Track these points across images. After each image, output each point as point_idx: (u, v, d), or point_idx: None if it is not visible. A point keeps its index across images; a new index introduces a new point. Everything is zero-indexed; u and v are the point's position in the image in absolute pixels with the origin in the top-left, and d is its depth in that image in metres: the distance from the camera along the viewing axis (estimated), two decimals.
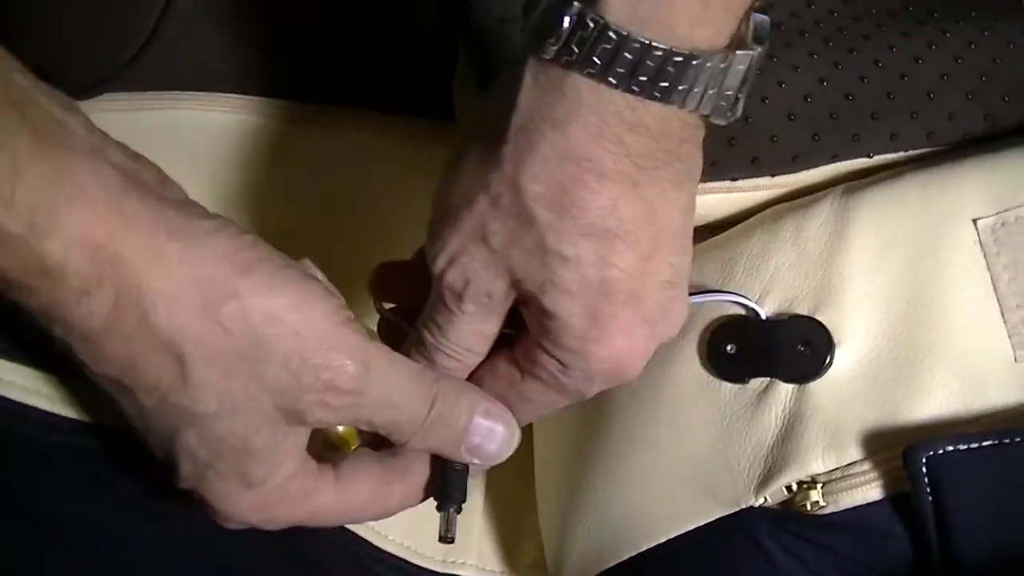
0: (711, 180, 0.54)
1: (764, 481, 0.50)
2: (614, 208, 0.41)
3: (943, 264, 0.50)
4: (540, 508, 0.59)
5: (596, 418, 0.55)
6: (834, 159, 0.54)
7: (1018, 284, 0.49)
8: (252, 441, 0.42)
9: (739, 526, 0.51)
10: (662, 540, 0.53)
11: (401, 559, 0.58)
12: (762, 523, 0.50)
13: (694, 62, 0.39)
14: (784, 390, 0.50)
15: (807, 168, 0.54)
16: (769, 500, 0.50)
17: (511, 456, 0.54)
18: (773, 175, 0.54)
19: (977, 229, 0.50)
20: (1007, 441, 0.47)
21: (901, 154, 0.55)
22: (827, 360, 0.49)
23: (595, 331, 0.43)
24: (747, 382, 0.51)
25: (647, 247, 0.42)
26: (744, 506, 0.51)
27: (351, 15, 0.60)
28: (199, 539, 0.48)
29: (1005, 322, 0.49)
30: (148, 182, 0.41)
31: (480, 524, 0.61)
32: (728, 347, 0.51)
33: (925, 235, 0.50)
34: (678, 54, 0.39)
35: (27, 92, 0.39)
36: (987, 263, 0.49)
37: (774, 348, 0.50)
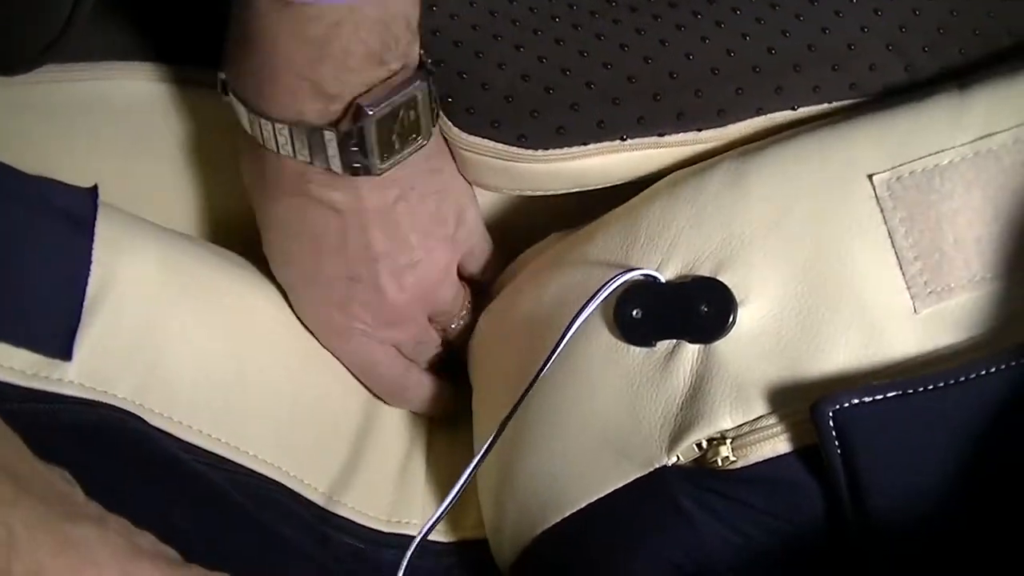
0: (639, 136, 0.55)
1: (674, 439, 0.50)
2: None
3: (841, 220, 0.50)
4: (478, 479, 0.59)
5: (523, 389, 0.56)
6: (759, 112, 0.56)
7: (914, 237, 0.49)
8: None
9: (656, 486, 0.51)
10: (583, 505, 0.53)
11: (348, 520, 0.58)
12: (677, 482, 0.51)
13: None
14: (690, 351, 0.51)
15: (733, 122, 0.57)
16: (681, 458, 0.51)
17: (451, 421, 0.63)
18: (700, 130, 0.57)
19: (873, 184, 0.50)
20: (910, 391, 0.47)
21: (825, 106, 0.57)
22: (730, 319, 0.50)
23: None
24: (654, 345, 0.52)
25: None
26: (657, 466, 0.51)
27: None
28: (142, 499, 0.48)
29: (904, 275, 0.49)
30: (147, 548, 0.42)
31: (423, 486, 0.62)
32: (634, 311, 0.52)
33: (823, 192, 0.51)
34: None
35: (30, 463, 0.40)
36: (884, 217, 0.50)
37: (678, 310, 0.51)
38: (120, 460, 0.49)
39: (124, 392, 0.51)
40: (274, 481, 0.55)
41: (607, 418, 0.52)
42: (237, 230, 0.61)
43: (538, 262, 0.59)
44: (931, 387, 0.47)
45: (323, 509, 0.57)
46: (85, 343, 0.50)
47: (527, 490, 0.55)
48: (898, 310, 0.49)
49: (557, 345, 0.52)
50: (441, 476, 0.62)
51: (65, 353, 0.49)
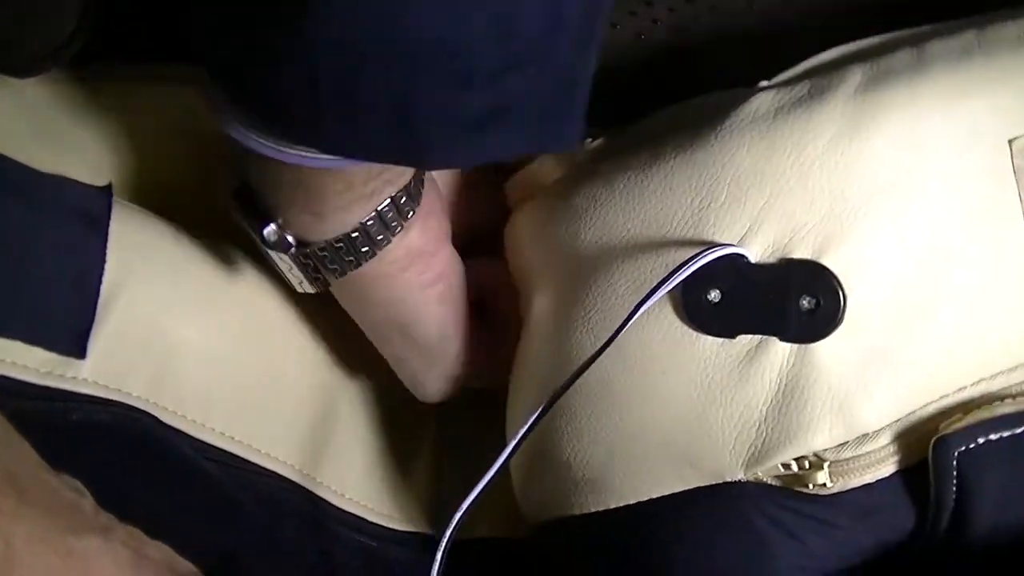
0: None
1: (757, 457, 0.42)
2: None
3: (971, 192, 0.41)
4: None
5: (557, 363, 0.46)
6: None
7: None
8: None
9: (723, 499, 0.44)
10: (632, 502, 0.45)
11: (358, 517, 0.56)
12: (751, 498, 0.43)
13: None
14: (781, 350, 0.41)
15: None
16: (761, 475, 0.43)
17: (461, 419, 0.59)
18: None
19: (1011, 151, 0.41)
20: None
21: None
22: (838, 316, 0.41)
23: None
24: (734, 338, 0.42)
25: None
26: (729, 480, 0.43)
27: None
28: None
29: None
30: (157, 559, 0.42)
31: (433, 484, 0.59)
32: (711, 294, 0.42)
33: (950, 154, 0.41)
34: None
35: (35, 472, 0.40)
36: (1020, 194, 0.41)
37: (769, 299, 0.41)
38: (131, 459, 0.49)
39: (137, 390, 0.49)
40: (286, 479, 0.54)
41: (668, 418, 0.43)
42: None
43: (567, 179, 0.48)
44: None
45: (333, 506, 0.55)
46: (99, 341, 0.48)
47: (567, 471, 0.47)
48: (1020, 305, 0.41)
49: (613, 337, 0.42)
50: (450, 473, 0.59)
51: (79, 351, 0.48)
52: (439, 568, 0.45)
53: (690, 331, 0.42)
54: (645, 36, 0.50)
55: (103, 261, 0.49)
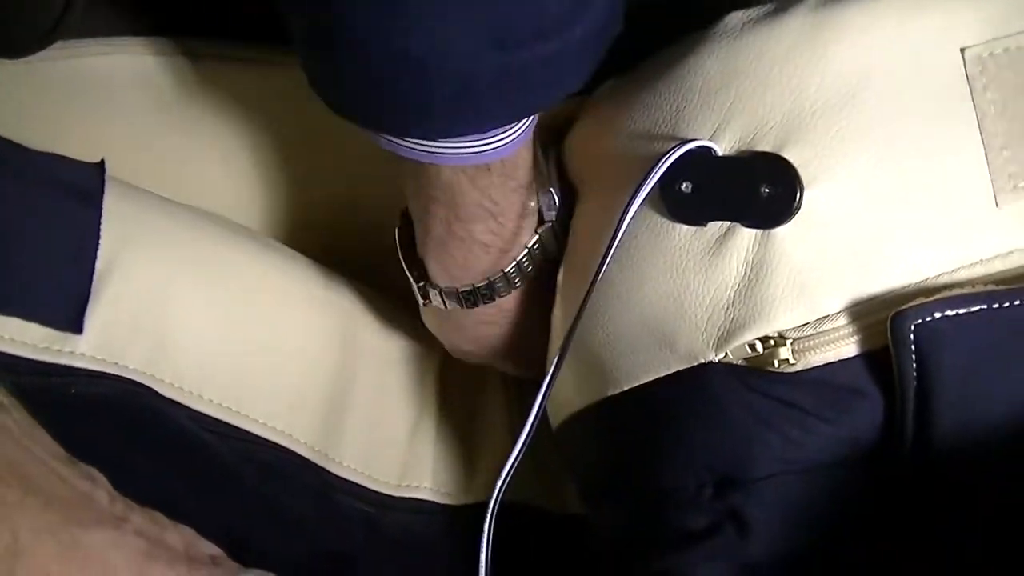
0: None
1: (726, 336, 0.46)
2: None
3: (924, 97, 0.44)
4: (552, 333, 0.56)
5: (575, 268, 0.52)
6: None
7: (1004, 124, 0.44)
8: None
9: (697, 381, 0.47)
10: (625, 389, 0.49)
11: (357, 484, 0.58)
12: (722, 379, 0.46)
13: None
14: (746, 235, 0.45)
15: None
16: (731, 356, 0.46)
17: (461, 389, 0.63)
18: None
19: (964, 59, 0.44)
20: (996, 306, 0.43)
21: None
22: (795, 203, 0.44)
23: None
24: (704, 225, 0.46)
25: None
26: (702, 361, 0.47)
27: None
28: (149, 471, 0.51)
29: (988, 164, 0.44)
30: (175, 546, 0.43)
31: (433, 450, 0.61)
32: (683, 185, 0.46)
33: (907, 61, 0.45)
34: None
35: (46, 465, 0.41)
36: (973, 99, 0.44)
37: (735, 188, 0.45)
38: (131, 432, 0.50)
39: (135, 363, 0.51)
40: (283, 448, 0.55)
41: (651, 303, 0.47)
42: (246, 203, 0.62)
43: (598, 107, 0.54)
44: (1019, 302, 0.42)
45: (333, 475, 0.57)
46: (96, 316, 0.50)
47: (577, 364, 0.51)
48: (978, 203, 0.44)
49: (613, 237, 0.47)
50: (451, 440, 0.62)
51: (76, 326, 0.49)
52: (488, 535, 0.49)
53: (667, 221, 0.47)
54: None
55: (98, 237, 0.51)
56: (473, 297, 0.54)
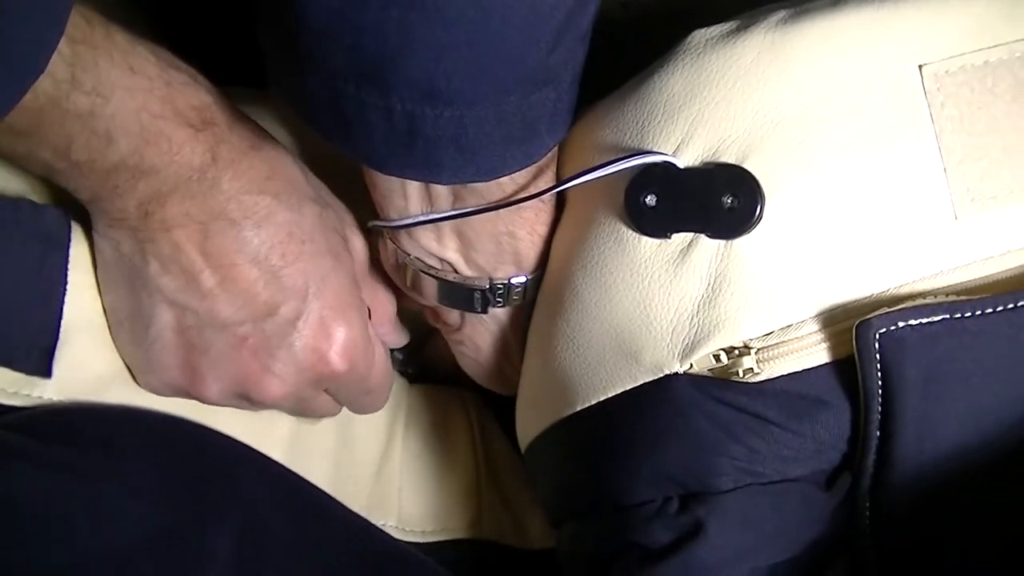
0: None
1: (690, 347, 0.46)
2: None
3: (884, 111, 0.45)
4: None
5: (548, 284, 0.53)
6: None
7: (962, 138, 0.45)
8: None
9: (664, 393, 0.47)
10: (593, 403, 0.49)
11: None
12: (687, 391, 0.47)
13: None
14: (709, 246, 0.46)
15: None
16: (696, 367, 0.47)
17: (427, 424, 0.64)
18: None
19: (922, 76, 0.45)
20: (958, 316, 0.44)
21: None
22: (756, 213, 0.45)
23: None
24: (668, 237, 0.47)
25: None
26: (667, 372, 0.47)
27: None
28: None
29: (947, 178, 0.45)
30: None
31: (398, 487, 0.61)
32: (647, 198, 0.47)
33: (866, 77, 0.45)
34: None
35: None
36: (931, 113, 0.45)
37: (698, 200, 0.46)
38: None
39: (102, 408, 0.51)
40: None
41: (617, 315, 0.48)
42: None
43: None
44: (980, 312, 0.43)
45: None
46: (63, 360, 0.50)
47: (546, 380, 0.52)
48: (938, 215, 0.45)
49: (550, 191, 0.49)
50: (417, 477, 0.62)
51: (44, 371, 0.50)
52: None
53: (632, 233, 0.47)
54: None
55: (65, 282, 0.51)
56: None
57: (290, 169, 0.52)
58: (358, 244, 0.56)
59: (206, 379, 0.52)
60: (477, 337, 0.58)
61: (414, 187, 0.51)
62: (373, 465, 0.61)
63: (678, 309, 0.46)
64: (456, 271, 0.54)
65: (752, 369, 0.45)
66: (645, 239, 0.47)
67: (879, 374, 0.44)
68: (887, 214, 0.45)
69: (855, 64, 0.46)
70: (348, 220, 0.56)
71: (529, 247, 0.53)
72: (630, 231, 0.48)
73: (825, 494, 0.47)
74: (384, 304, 0.59)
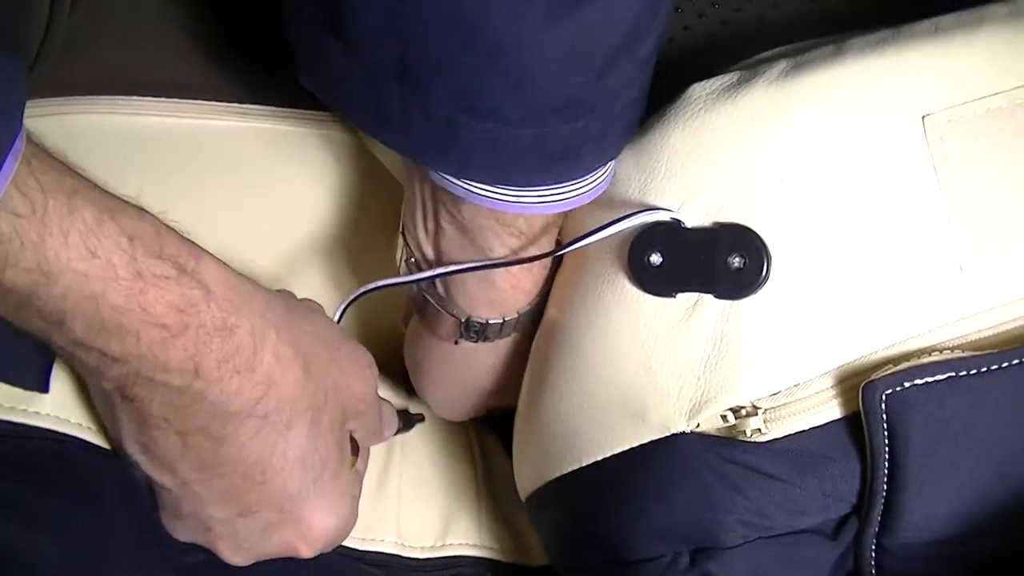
0: None
1: (697, 407, 0.46)
2: None
3: (887, 163, 0.45)
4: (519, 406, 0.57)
5: (548, 335, 0.52)
6: None
7: (965, 187, 0.45)
8: None
9: (672, 451, 0.47)
10: (598, 459, 0.49)
11: None
12: (696, 450, 0.47)
13: None
14: (715, 307, 0.46)
15: None
16: (703, 426, 0.46)
17: (433, 444, 0.64)
18: None
19: (924, 126, 0.45)
20: (962, 374, 0.44)
21: None
22: (762, 274, 0.45)
23: None
24: (674, 296, 0.46)
25: None
26: (675, 431, 0.47)
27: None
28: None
29: (951, 228, 0.45)
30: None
31: (396, 504, 0.61)
32: (651, 257, 0.46)
33: (868, 129, 0.45)
34: None
35: None
36: (933, 164, 0.45)
37: (703, 260, 0.46)
38: (94, 487, 0.49)
39: (99, 423, 0.50)
40: None
41: (621, 374, 0.48)
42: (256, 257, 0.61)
43: None
44: (985, 369, 0.43)
45: None
46: (61, 376, 0.50)
47: (547, 434, 0.51)
48: (943, 266, 0.45)
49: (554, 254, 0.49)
50: (416, 493, 0.62)
51: (41, 386, 0.49)
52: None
53: (638, 292, 0.47)
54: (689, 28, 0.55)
55: None
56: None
57: (288, 379, 0.47)
58: (369, 415, 0.54)
59: (174, 529, 0.50)
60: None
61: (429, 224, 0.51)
62: (373, 481, 0.61)
63: (684, 369, 0.46)
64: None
65: (759, 430, 0.45)
66: (651, 298, 0.47)
67: (885, 434, 0.44)
68: (892, 267, 0.45)
69: (857, 116, 0.45)
70: (352, 408, 0.52)
71: (510, 299, 0.52)
72: (635, 290, 0.47)
73: (831, 543, 0.47)
74: (386, 426, 0.58)
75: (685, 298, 0.46)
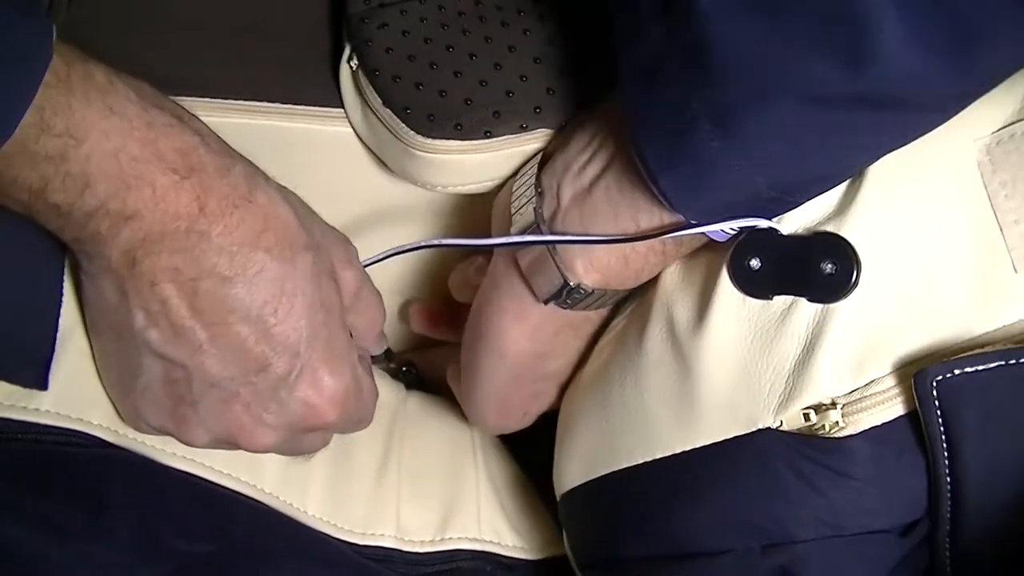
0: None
1: (784, 403, 0.49)
2: None
3: (951, 181, 0.50)
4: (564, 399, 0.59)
5: (640, 328, 0.54)
6: None
7: (1015, 200, 0.50)
8: None
9: (755, 446, 0.50)
10: (677, 451, 0.51)
11: (323, 534, 0.58)
12: (778, 446, 0.49)
13: None
14: (808, 309, 0.49)
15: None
16: (785, 424, 0.50)
17: (431, 436, 0.65)
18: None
19: (975, 147, 0.50)
20: (1012, 362, 0.48)
21: None
22: (853, 279, 0.48)
23: None
24: (771, 299, 0.50)
25: None
26: (761, 426, 0.50)
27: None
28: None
29: (1004, 238, 0.50)
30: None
31: (396, 498, 0.62)
32: (752, 261, 0.49)
33: (930, 153, 0.49)
34: None
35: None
36: (983, 181, 0.50)
37: (799, 266, 0.49)
38: (92, 485, 0.50)
39: (99, 419, 0.52)
40: (250, 498, 0.56)
41: (719, 371, 0.50)
42: None
43: None
44: None
45: (298, 523, 0.57)
46: (60, 372, 0.51)
47: (614, 429, 0.53)
48: (1000, 273, 0.49)
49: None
50: (415, 487, 0.63)
51: (40, 383, 0.50)
52: None
53: (739, 294, 0.50)
54: None
55: (60, 295, 0.51)
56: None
57: (284, 216, 0.50)
58: (348, 276, 0.55)
59: (195, 429, 0.51)
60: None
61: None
62: (371, 475, 0.61)
63: (777, 367, 0.49)
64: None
65: (838, 423, 0.48)
66: (750, 299, 0.50)
67: (940, 420, 0.48)
68: (956, 272, 0.49)
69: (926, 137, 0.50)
70: (339, 255, 0.55)
71: (623, 275, 0.54)
72: (736, 291, 0.50)
73: (903, 540, 0.50)
74: (372, 320, 0.58)
75: (781, 300, 0.50)
